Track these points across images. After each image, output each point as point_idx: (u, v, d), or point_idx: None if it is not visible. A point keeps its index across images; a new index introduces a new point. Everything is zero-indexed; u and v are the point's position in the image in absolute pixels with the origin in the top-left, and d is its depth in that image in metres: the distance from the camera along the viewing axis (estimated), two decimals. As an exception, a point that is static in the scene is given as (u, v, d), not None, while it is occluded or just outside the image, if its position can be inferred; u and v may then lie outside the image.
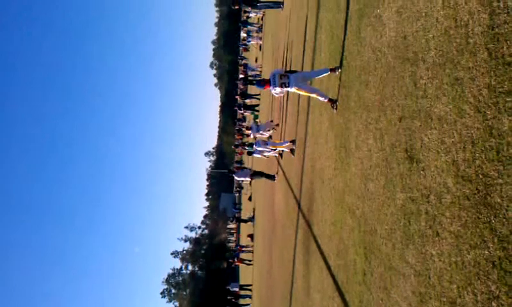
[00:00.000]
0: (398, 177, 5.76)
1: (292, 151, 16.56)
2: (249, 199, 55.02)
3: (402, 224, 5.47)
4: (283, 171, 19.43)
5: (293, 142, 16.27)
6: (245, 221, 47.74)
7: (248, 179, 20.93)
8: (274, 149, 18.83)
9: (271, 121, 25.48)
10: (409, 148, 5.47)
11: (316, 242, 10.89)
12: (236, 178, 21.20)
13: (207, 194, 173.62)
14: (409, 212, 5.29)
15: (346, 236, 8.10)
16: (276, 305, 19.44)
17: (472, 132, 4.11)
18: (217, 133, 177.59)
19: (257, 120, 41.68)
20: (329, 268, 9.24)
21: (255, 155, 21.10)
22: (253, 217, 44.58)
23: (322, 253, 10.07)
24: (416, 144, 5.29)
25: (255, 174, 21.80)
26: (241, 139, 43.85)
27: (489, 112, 3.89)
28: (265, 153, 20.51)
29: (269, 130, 23.19)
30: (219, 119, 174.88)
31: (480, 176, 3.92)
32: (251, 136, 21.95)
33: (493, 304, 3.58)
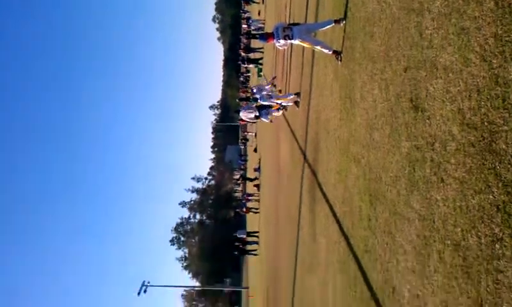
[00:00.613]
0: (403, 126, 5.86)
1: (296, 103, 16.56)
2: (255, 150, 55.37)
3: (407, 171, 5.61)
4: (288, 123, 19.52)
5: (298, 94, 16.26)
6: (251, 179, 48.25)
7: (256, 113, 20.53)
8: (279, 104, 18.64)
9: (274, 78, 25.26)
10: (415, 98, 5.54)
11: (321, 190, 11.10)
12: (242, 115, 20.77)
13: (213, 147, 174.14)
14: (414, 160, 5.42)
15: (351, 184, 8.28)
16: (283, 250, 19.92)
17: (478, 80, 4.18)
18: (221, 87, 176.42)
19: (261, 73, 41.44)
20: (334, 215, 9.47)
21: (262, 118, 21.01)
22: (259, 167, 44.97)
23: (327, 201, 10.29)
24: (421, 93, 5.37)
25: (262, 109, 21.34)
26: (245, 93, 43.75)
27: (495, 61, 3.95)
28: (273, 114, 20.42)
29: (272, 86, 22.98)
30: (222, 73, 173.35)
31: (486, 124, 4.02)
32: (256, 95, 21.57)
33: (497, 245, 3.75)
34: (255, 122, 24.20)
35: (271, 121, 22.01)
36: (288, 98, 17.25)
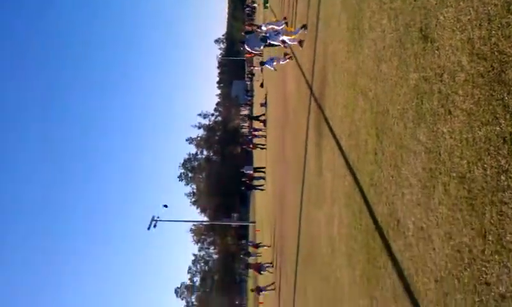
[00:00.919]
0: (412, 57, 5.73)
1: (301, 43, 16.26)
2: (261, 85, 54.98)
3: (415, 103, 5.54)
4: (295, 57, 19.22)
5: (304, 27, 15.89)
6: (257, 117, 48.10)
7: (261, 47, 20.12)
8: (285, 42, 18.12)
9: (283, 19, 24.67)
10: (424, 27, 5.39)
11: (328, 124, 11.06)
12: (247, 47, 20.30)
13: (219, 82, 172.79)
14: (422, 92, 5.33)
15: (358, 117, 8.22)
16: (289, 185, 20.14)
17: (489, 8, 4.04)
18: (226, 20, 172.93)
19: (267, 4, 40.47)
20: (340, 148, 9.47)
21: (266, 65, 20.69)
22: (265, 103, 44.79)
23: (334, 135, 10.26)
24: (431, 23, 5.21)
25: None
26: (251, 26, 42.90)
27: (508, -13, 3.79)
28: (275, 63, 20.08)
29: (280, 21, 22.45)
30: (228, 4, 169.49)
31: (496, 54, 3.91)
32: (263, 27, 21.02)
33: (502, 177, 3.73)
34: (261, 54, 23.78)
35: (275, 70, 21.73)
36: (296, 34, 16.86)
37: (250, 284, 72.57)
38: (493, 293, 3.73)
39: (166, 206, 46.02)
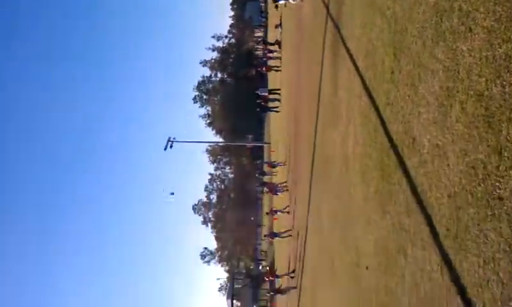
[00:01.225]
0: (433, -27, 5.59)
1: None
2: (276, 7, 53.48)
3: (434, 21, 5.46)
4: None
5: None
6: (272, 44, 47.10)
7: None
8: None
9: None
10: None
11: (344, 44, 10.93)
12: None
13: (232, 3, 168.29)
14: (442, 9, 5.25)
15: (375, 36, 8.12)
16: (304, 106, 20.17)
17: None
18: None
19: None
20: (357, 68, 9.43)
21: (279, 1, 20.42)
22: (280, 24, 43.87)
23: (350, 55, 10.18)
24: None
25: None
26: None
27: None
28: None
29: None
30: None
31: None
32: None
33: (520, 93, 3.77)
34: None
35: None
36: None
37: (265, 201, 74.30)
38: (505, 207, 3.86)
39: (172, 193, 46.70)
